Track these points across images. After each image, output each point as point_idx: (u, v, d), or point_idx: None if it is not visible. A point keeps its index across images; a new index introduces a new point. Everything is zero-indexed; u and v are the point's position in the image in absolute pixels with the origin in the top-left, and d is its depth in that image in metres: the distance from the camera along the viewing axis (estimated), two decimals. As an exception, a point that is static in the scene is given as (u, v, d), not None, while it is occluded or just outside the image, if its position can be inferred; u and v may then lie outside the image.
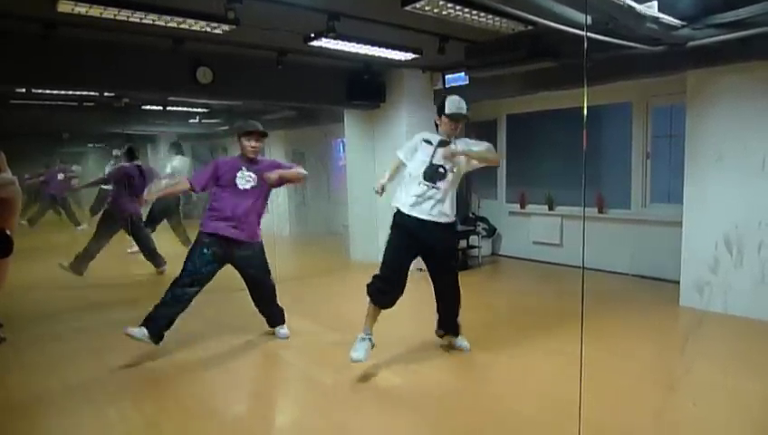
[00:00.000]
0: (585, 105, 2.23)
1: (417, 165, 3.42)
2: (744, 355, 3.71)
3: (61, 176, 10.68)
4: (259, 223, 3.96)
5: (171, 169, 7.79)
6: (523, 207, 7.19)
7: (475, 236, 7.03)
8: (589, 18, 3.53)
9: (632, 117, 5.96)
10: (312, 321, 4.64)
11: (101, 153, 17.35)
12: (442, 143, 3.40)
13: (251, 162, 3.88)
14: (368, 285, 3.49)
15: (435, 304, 3.72)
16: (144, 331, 3.61)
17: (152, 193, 3.83)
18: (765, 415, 2.91)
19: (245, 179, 3.84)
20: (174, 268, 4.04)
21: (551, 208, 6.88)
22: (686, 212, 4.77)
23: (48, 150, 11.72)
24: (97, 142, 15.97)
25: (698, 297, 4.72)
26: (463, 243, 6.90)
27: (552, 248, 6.81)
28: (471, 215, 7.57)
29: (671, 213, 5.36)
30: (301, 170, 4.08)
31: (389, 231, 3.54)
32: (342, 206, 8.34)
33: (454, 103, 3.39)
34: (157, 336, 3.65)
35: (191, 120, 9.91)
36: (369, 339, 3.43)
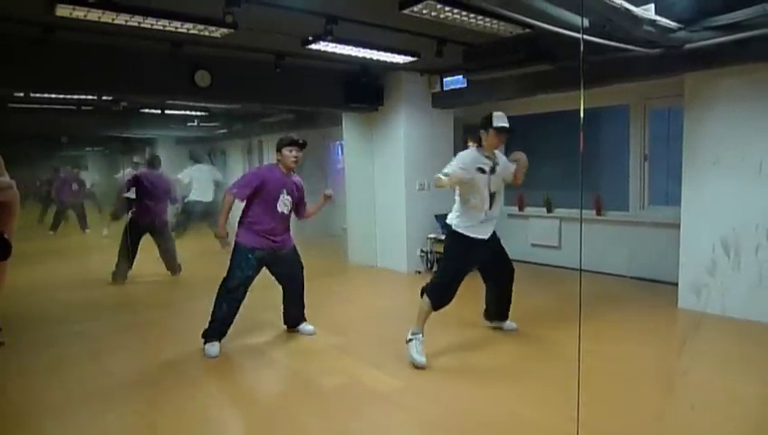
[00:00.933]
0: (582, 108, 2.23)
1: (478, 194, 3.70)
2: (742, 357, 3.71)
3: (75, 186, 10.67)
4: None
5: (189, 178, 8.13)
6: (521, 209, 7.19)
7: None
8: (586, 21, 3.55)
9: (630, 119, 5.98)
10: (312, 324, 4.63)
11: (99, 157, 17.38)
12: (492, 170, 3.72)
13: (287, 176, 4.02)
14: (426, 291, 3.74)
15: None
16: (217, 346, 3.89)
17: (221, 227, 4.02)
18: (763, 417, 2.91)
19: (284, 204, 4.01)
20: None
21: (549, 211, 6.88)
22: (684, 215, 4.78)
23: (47, 154, 11.72)
24: (95, 146, 15.98)
25: (696, 299, 4.73)
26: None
27: (550, 251, 6.81)
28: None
29: (669, 215, 5.37)
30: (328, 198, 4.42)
31: (450, 242, 3.88)
32: (341, 208, 8.34)
33: (501, 118, 3.65)
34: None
35: (190, 124, 9.92)
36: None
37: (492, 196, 3.76)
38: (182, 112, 9.08)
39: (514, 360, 3.75)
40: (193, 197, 8.29)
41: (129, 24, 3.74)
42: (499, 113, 3.69)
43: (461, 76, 6.16)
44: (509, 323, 4.33)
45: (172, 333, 3.85)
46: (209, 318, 3.91)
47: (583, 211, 6.44)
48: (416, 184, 6.56)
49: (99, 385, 3.46)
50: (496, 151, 3.82)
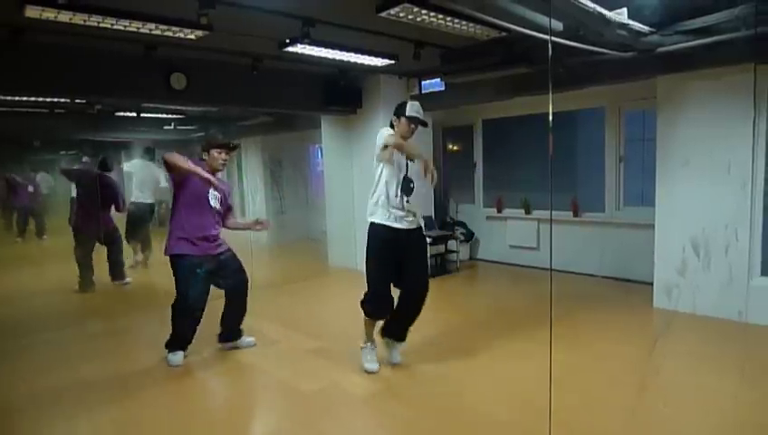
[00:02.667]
0: (551, 111, 2.26)
1: (394, 179, 3.42)
2: (713, 355, 3.78)
3: (31, 188, 10.46)
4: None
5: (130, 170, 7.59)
6: (500, 211, 7.25)
7: (453, 241, 7.06)
8: (559, 24, 3.60)
9: (606, 121, 6.07)
10: (289, 328, 4.60)
11: (74, 161, 17.05)
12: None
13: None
14: (361, 304, 3.53)
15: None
16: (181, 355, 3.80)
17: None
18: (734, 412, 2.97)
19: (215, 198, 3.79)
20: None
21: (527, 212, 6.95)
22: (658, 215, 4.87)
23: (19, 158, 11.45)
24: (69, 150, 15.67)
25: (668, 299, 4.81)
26: (441, 248, 6.93)
27: (528, 252, 6.87)
28: (449, 220, 7.62)
29: (644, 216, 5.46)
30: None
31: (368, 239, 3.52)
32: (321, 212, 8.31)
33: (414, 107, 3.47)
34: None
35: (166, 127, 9.77)
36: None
37: (409, 182, 3.44)
38: (158, 116, 8.94)
39: (491, 361, 3.76)
40: (132, 198, 7.35)
41: (101, 25, 3.67)
42: (415, 103, 3.51)
43: (439, 79, 6.18)
44: (396, 355, 3.75)
45: (145, 341, 3.77)
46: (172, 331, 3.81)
47: (561, 213, 6.52)
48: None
49: (72, 391, 3.39)
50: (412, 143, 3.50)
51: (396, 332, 3.68)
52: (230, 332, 4.08)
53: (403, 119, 3.45)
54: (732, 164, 4.34)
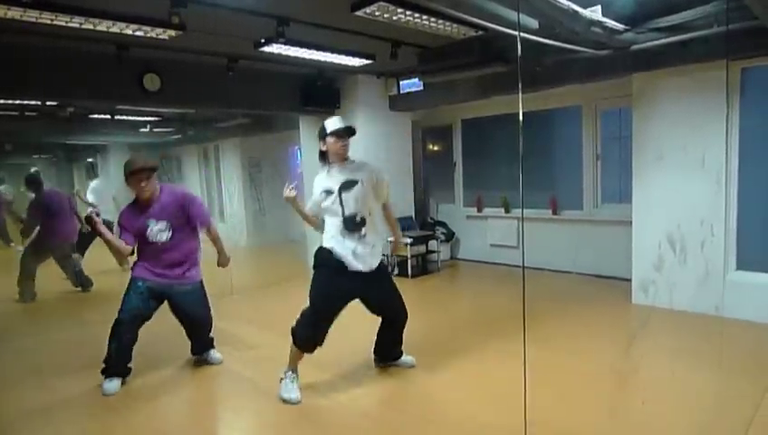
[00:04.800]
0: (521, 108, 2.24)
1: (338, 219, 3.17)
2: (691, 350, 3.82)
3: None
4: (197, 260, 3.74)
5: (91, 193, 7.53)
6: (480, 210, 7.26)
7: (434, 241, 7.05)
8: (534, 22, 3.60)
9: (582, 120, 6.11)
10: (269, 332, 4.53)
11: (47, 164, 16.70)
12: (345, 186, 3.17)
13: (148, 206, 3.46)
14: (291, 331, 3.26)
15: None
16: (117, 382, 3.47)
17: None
18: (712, 407, 2.99)
19: (158, 233, 3.47)
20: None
21: (507, 211, 6.97)
22: (635, 212, 4.91)
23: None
24: (42, 153, 15.36)
25: (645, 296, 4.86)
26: (422, 248, 6.91)
27: (509, 251, 6.89)
28: (429, 219, 7.61)
29: (622, 213, 5.50)
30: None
31: (315, 270, 3.30)
32: (300, 213, 8.24)
33: (333, 121, 3.24)
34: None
35: (142, 129, 9.61)
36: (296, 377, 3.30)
37: (353, 218, 3.14)
38: (133, 118, 8.78)
39: (473, 361, 3.75)
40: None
41: (69, 24, 3.57)
42: (331, 118, 3.28)
43: (417, 79, 6.17)
44: (406, 359, 3.66)
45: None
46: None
47: (540, 211, 6.55)
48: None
49: (45, 407, 3.28)
50: (354, 162, 3.29)
51: (391, 354, 3.61)
52: (194, 346, 3.91)
53: (329, 138, 3.18)
54: (706, 159, 4.39)
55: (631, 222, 4.96)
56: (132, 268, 3.56)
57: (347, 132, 3.22)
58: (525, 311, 4.57)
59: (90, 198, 7.45)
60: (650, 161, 4.72)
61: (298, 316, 3.24)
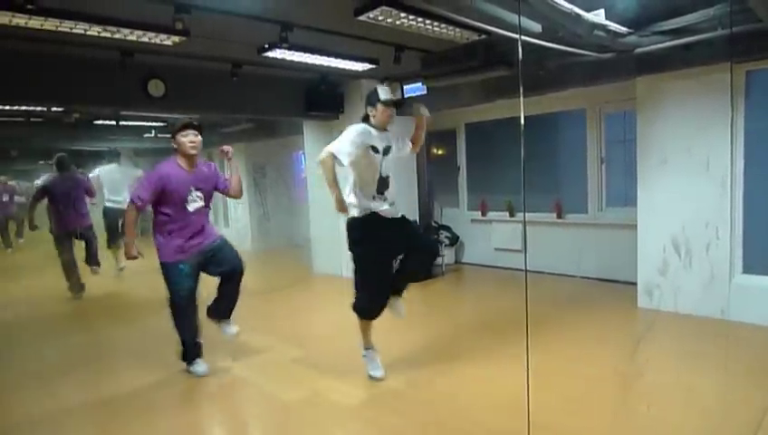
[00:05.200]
0: (522, 112, 2.24)
1: (370, 177, 3.31)
2: (696, 354, 3.79)
3: (6, 198, 10.35)
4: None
5: (98, 174, 7.43)
6: (484, 214, 7.25)
7: (439, 245, 7.02)
8: (538, 26, 3.60)
9: (586, 123, 6.10)
10: (273, 337, 4.53)
11: (52, 170, 16.77)
12: (386, 151, 3.37)
13: (190, 173, 3.61)
14: (353, 308, 3.43)
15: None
16: (201, 362, 3.77)
17: (129, 247, 3.61)
18: (718, 411, 2.97)
19: (195, 201, 3.62)
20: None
21: (511, 215, 6.95)
22: (640, 215, 4.89)
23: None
24: (48, 159, 15.40)
25: (651, 299, 4.83)
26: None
27: (513, 254, 6.87)
28: (434, 223, 7.59)
29: (627, 216, 5.48)
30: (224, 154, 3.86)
31: (350, 236, 3.39)
32: (304, 218, 8.25)
33: (386, 90, 3.35)
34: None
35: (146, 135, 9.64)
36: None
37: (384, 180, 3.35)
38: (138, 124, 8.82)
39: (478, 365, 3.73)
40: (105, 202, 7.40)
41: (73, 31, 3.60)
42: (385, 87, 3.39)
43: (421, 84, 6.16)
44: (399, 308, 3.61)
45: (125, 354, 3.69)
46: (180, 341, 3.74)
47: (544, 214, 6.53)
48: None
49: (45, 411, 3.29)
50: (389, 130, 3.45)
51: (400, 288, 3.58)
52: (217, 311, 3.97)
53: (379, 105, 3.29)
54: (711, 162, 4.37)
55: (636, 225, 4.94)
56: (160, 252, 3.56)
57: (396, 104, 3.38)
58: (529, 315, 4.58)
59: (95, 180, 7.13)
60: (655, 165, 4.70)
61: (354, 293, 3.40)
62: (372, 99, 3.33)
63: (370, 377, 3.48)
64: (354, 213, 3.31)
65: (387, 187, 3.36)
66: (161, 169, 3.56)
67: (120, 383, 3.69)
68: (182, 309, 3.62)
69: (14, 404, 3.40)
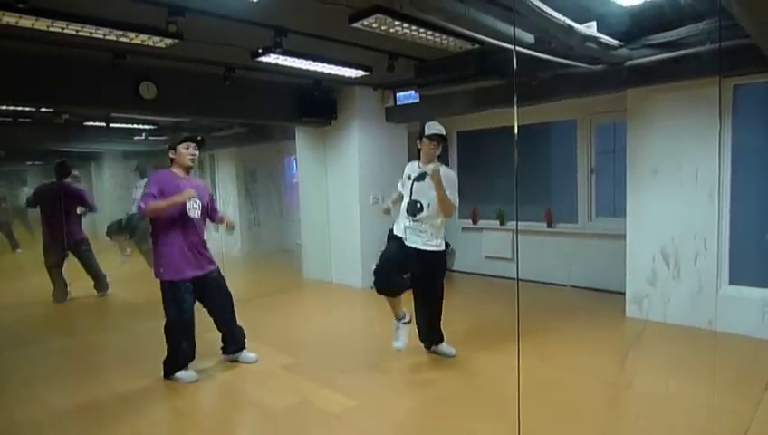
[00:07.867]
0: (516, 121, 2.26)
1: (403, 200, 3.85)
2: (685, 364, 3.81)
3: None
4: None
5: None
6: (474, 222, 7.27)
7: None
8: (531, 37, 3.63)
9: (577, 134, 6.15)
10: (262, 343, 4.48)
11: (41, 171, 16.60)
12: (419, 178, 3.75)
13: (186, 179, 3.68)
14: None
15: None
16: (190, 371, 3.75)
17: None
18: (707, 421, 2.98)
19: (194, 207, 3.65)
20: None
21: (502, 223, 6.97)
22: (629, 225, 4.93)
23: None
24: (37, 160, 15.25)
25: (640, 309, 4.86)
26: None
27: (503, 263, 6.89)
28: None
29: (616, 226, 5.52)
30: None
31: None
32: (295, 223, 8.23)
33: (432, 125, 3.73)
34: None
35: (137, 137, 9.58)
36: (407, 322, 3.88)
37: (414, 203, 3.76)
38: (128, 126, 8.76)
39: (466, 374, 3.73)
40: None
41: (65, 31, 3.57)
42: (433, 122, 3.77)
43: (413, 91, 6.19)
44: (444, 347, 4.07)
45: (114, 362, 3.64)
46: (167, 354, 3.71)
47: (535, 223, 6.56)
48: (370, 198, 6.53)
49: (31, 415, 3.23)
50: (433, 163, 3.72)
51: (429, 337, 4.03)
52: (234, 346, 4.05)
53: (424, 139, 3.73)
54: (699, 174, 4.42)
55: (625, 235, 4.97)
56: (162, 271, 3.56)
57: (439, 138, 3.74)
58: (519, 324, 4.59)
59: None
60: (644, 175, 4.74)
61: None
62: (420, 133, 3.77)
63: (395, 348, 3.80)
64: (393, 227, 3.93)
65: (419, 210, 3.75)
66: (159, 175, 3.64)
67: (106, 388, 3.64)
68: (185, 324, 3.64)
69: (-4, 409, 3.35)
